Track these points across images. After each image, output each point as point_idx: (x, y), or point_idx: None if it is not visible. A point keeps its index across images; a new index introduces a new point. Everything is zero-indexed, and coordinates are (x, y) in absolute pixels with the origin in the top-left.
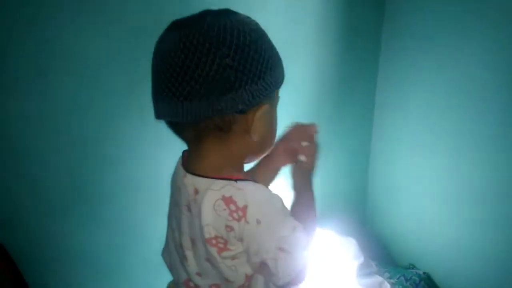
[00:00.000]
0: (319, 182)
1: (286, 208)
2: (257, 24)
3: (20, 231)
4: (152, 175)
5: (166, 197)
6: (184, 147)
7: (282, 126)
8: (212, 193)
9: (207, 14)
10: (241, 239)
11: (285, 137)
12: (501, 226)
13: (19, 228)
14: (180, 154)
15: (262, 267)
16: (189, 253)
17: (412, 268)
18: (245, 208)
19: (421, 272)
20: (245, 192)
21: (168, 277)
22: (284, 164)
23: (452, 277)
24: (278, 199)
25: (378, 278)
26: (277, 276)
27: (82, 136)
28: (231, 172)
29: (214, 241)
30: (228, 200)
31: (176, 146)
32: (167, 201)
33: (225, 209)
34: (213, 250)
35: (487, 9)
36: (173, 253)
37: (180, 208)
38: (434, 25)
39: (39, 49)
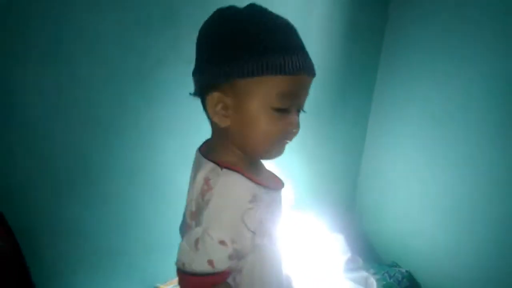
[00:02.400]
0: (313, 180)
1: (237, 220)
2: (243, 20)
3: (23, 203)
4: (155, 161)
5: (168, 182)
6: (189, 136)
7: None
8: (201, 173)
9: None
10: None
11: None
12: (479, 227)
13: (22, 201)
14: (185, 139)
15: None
16: (192, 223)
17: (395, 266)
18: (211, 189)
19: (403, 270)
20: (221, 180)
21: (160, 259)
22: None
23: (433, 275)
24: (240, 207)
25: (364, 274)
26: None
27: (93, 114)
28: (227, 158)
29: (194, 215)
30: (207, 181)
31: (182, 130)
32: (170, 186)
33: (202, 188)
34: (193, 224)
35: (487, 19)
36: (185, 225)
37: (191, 180)
38: (434, 33)
39: (53, 23)
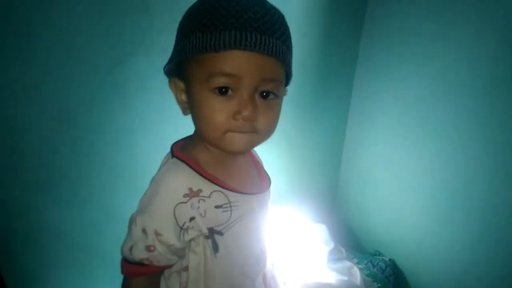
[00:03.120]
0: (294, 170)
1: (166, 212)
2: (195, 4)
3: None
4: (133, 156)
5: (145, 179)
6: (165, 128)
7: None
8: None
9: None
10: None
11: None
12: (461, 213)
13: None
14: (163, 131)
15: None
16: None
17: (379, 255)
18: (153, 178)
19: (387, 259)
20: (163, 168)
21: None
22: None
23: (415, 263)
24: (171, 199)
25: (347, 263)
26: None
27: (65, 111)
28: (188, 149)
29: None
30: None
31: (159, 127)
32: (145, 183)
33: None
34: None
35: (469, 1)
36: None
37: None
38: (415, 16)
39: (20, 14)
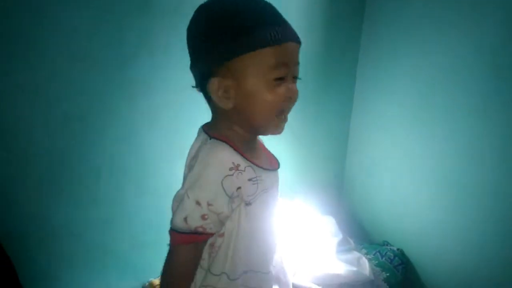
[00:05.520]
0: (300, 164)
1: (215, 184)
2: (223, 5)
3: (6, 206)
4: (139, 153)
5: (153, 176)
6: (171, 126)
7: None
8: (196, 143)
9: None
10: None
11: None
12: (468, 204)
13: (4, 203)
14: (167, 128)
15: None
16: None
17: (387, 245)
18: (197, 156)
19: (395, 248)
20: (206, 147)
21: (152, 254)
22: None
23: (424, 253)
24: (219, 172)
25: (356, 254)
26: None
27: (72, 112)
28: (221, 132)
29: (184, 180)
30: (197, 151)
31: (164, 125)
32: (153, 180)
33: (193, 156)
34: None
35: None
36: None
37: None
38: (419, 2)
39: (27, 18)
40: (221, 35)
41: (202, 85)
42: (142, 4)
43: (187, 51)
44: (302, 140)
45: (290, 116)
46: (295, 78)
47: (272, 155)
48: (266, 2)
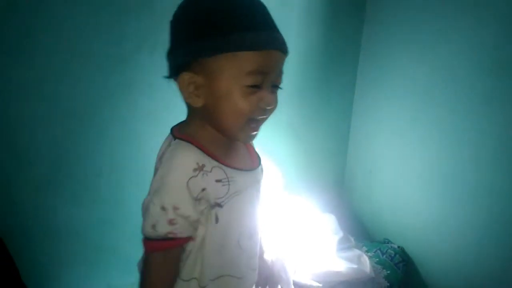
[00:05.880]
0: (301, 161)
1: (180, 187)
2: (193, 3)
3: (7, 205)
4: (140, 152)
5: (152, 175)
6: (172, 125)
7: None
8: (162, 146)
9: None
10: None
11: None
12: (468, 202)
13: (6, 203)
14: (169, 125)
15: None
16: None
17: (387, 243)
18: (160, 159)
19: (395, 246)
20: (169, 150)
21: None
22: None
23: (425, 250)
24: (183, 174)
25: (356, 252)
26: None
27: (72, 110)
28: (189, 131)
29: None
30: (162, 156)
31: (164, 124)
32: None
33: (157, 161)
34: None
35: None
36: None
37: None
38: (417, 6)
39: (27, 16)
40: (201, 29)
41: (174, 76)
42: (143, 1)
43: None
44: (303, 138)
45: (291, 114)
46: (275, 87)
47: (254, 152)
48: (260, 5)
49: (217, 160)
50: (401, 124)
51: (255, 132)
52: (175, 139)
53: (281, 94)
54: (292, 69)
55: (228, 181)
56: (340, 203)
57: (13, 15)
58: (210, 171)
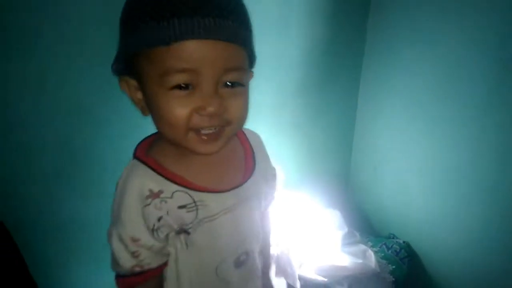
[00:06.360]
0: (306, 157)
1: (135, 217)
2: None
3: (13, 199)
4: None
5: None
6: None
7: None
8: None
9: None
10: None
11: None
12: (474, 196)
13: (12, 195)
14: None
15: None
16: None
17: (393, 238)
18: (117, 184)
19: (401, 241)
20: (124, 173)
21: None
22: None
23: (430, 245)
24: (134, 203)
25: (361, 247)
26: None
27: (78, 104)
28: (151, 148)
29: None
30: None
31: None
32: None
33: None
34: None
35: None
36: None
37: None
38: (422, 4)
39: (32, 8)
40: (122, 24)
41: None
42: None
43: None
44: (307, 133)
45: (295, 110)
46: (231, 86)
47: (251, 159)
48: None
49: (180, 184)
50: (406, 120)
51: (212, 141)
52: (134, 157)
53: (286, 92)
54: (297, 66)
55: (196, 206)
56: (345, 199)
57: (15, 8)
58: (171, 197)
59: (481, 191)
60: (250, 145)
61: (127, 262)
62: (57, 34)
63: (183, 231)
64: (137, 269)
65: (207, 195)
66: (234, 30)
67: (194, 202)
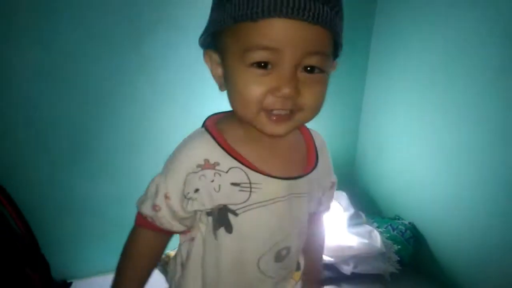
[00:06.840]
0: None
1: (179, 178)
2: None
3: (26, 179)
4: (157, 132)
5: (168, 152)
6: (188, 103)
7: None
8: None
9: None
10: None
11: None
12: (479, 176)
13: (25, 177)
14: (186, 103)
15: None
16: None
17: (398, 219)
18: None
19: (406, 222)
20: (188, 135)
21: None
22: None
23: (435, 226)
24: (186, 166)
25: (367, 228)
26: None
27: (91, 89)
28: (220, 123)
29: None
30: None
31: (180, 102)
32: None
33: None
34: None
35: None
36: None
37: None
38: None
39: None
40: (213, 2)
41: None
42: None
43: (203, 27)
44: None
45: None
46: (308, 70)
47: (313, 155)
48: None
49: (239, 160)
50: (413, 101)
51: (280, 123)
52: (202, 126)
53: None
54: None
55: (250, 187)
56: (352, 181)
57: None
58: (226, 172)
59: (485, 172)
60: (315, 145)
61: (146, 209)
62: (69, 21)
63: (228, 211)
64: (148, 219)
65: (265, 179)
66: (322, 12)
67: (250, 182)
